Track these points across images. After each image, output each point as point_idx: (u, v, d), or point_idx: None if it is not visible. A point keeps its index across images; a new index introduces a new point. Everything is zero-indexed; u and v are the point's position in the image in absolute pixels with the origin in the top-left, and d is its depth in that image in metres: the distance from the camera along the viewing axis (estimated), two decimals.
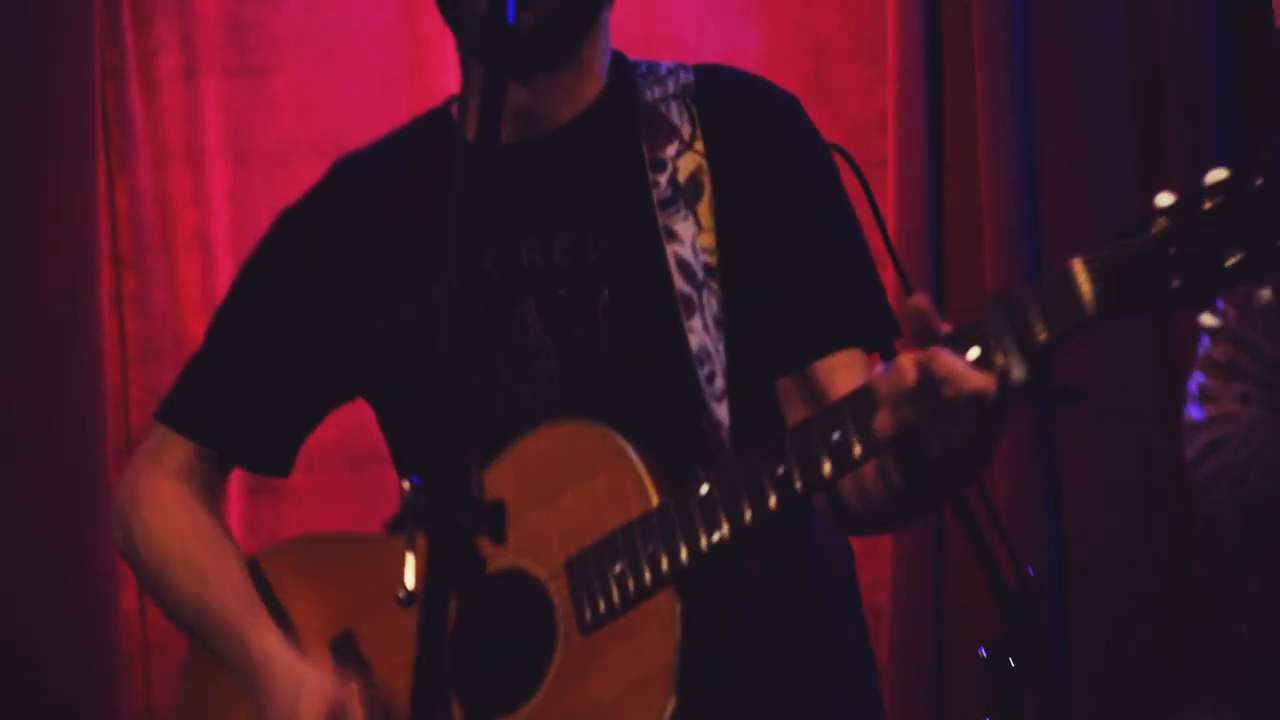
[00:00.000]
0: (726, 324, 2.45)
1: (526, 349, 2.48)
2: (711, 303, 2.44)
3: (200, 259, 4.52)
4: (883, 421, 2.03)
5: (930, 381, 1.97)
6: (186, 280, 4.52)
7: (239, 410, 2.68)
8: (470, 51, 2.16)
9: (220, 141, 4.57)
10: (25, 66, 4.37)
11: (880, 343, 2.49)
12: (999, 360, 1.95)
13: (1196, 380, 3.59)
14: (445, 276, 2.01)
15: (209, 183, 4.55)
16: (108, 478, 4.32)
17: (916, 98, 4.42)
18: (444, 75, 4.45)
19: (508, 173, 2.42)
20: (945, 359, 1.96)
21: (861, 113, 4.54)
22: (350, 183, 2.69)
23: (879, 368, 2.08)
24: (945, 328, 2.02)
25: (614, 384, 2.45)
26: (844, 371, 2.39)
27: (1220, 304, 3.45)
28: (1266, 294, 1.92)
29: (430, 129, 2.68)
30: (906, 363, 1.99)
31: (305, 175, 4.31)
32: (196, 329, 4.44)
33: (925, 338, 2.02)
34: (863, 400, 2.10)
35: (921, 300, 2.03)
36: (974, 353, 1.97)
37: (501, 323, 2.49)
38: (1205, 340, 3.59)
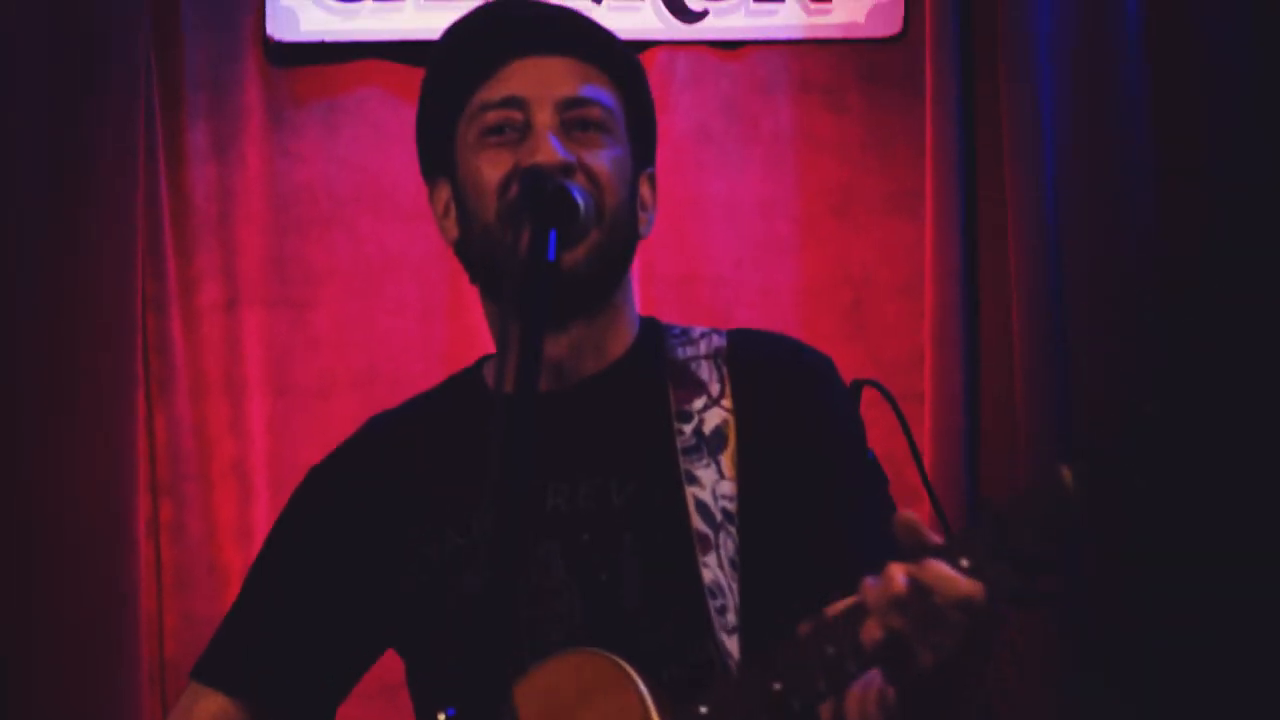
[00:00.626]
0: (742, 565, 2.47)
1: (549, 592, 2.49)
2: (728, 544, 2.46)
3: (237, 488, 4.53)
4: (871, 630, 2.03)
5: (919, 589, 1.97)
6: (223, 509, 4.52)
7: (273, 664, 2.68)
8: (510, 299, 2.20)
9: (260, 372, 4.60)
10: (69, 294, 4.41)
11: None
12: (988, 569, 1.95)
13: None
14: (484, 514, 2.04)
15: (248, 413, 4.57)
16: (140, 706, 4.30)
17: (954, 334, 4.43)
18: (480, 309, 4.48)
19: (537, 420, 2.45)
20: (934, 566, 1.97)
21: (899, 348, 4.55)
22: (380, 441, 2.72)
23: (869, 578, 2.07)
24: (936, 540, 2.02)
25: (635, 627, 2.46)
26: None
27: None
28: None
29: (462, 388, 2.72)
30: (896, 571, 2.00)
31: (343, 407, 4.42)
32: (232, 557, 4.44)
33: (916, 551, 2.02)
34: (855, 613, 2.09)
35: (911, 516, 2.04)
36: (964, 562, 1.97)
37: (528, 565, 2.50)
38: None
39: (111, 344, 4.42)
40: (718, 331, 2.65)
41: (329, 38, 4.67)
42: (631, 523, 2.48)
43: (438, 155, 2.67)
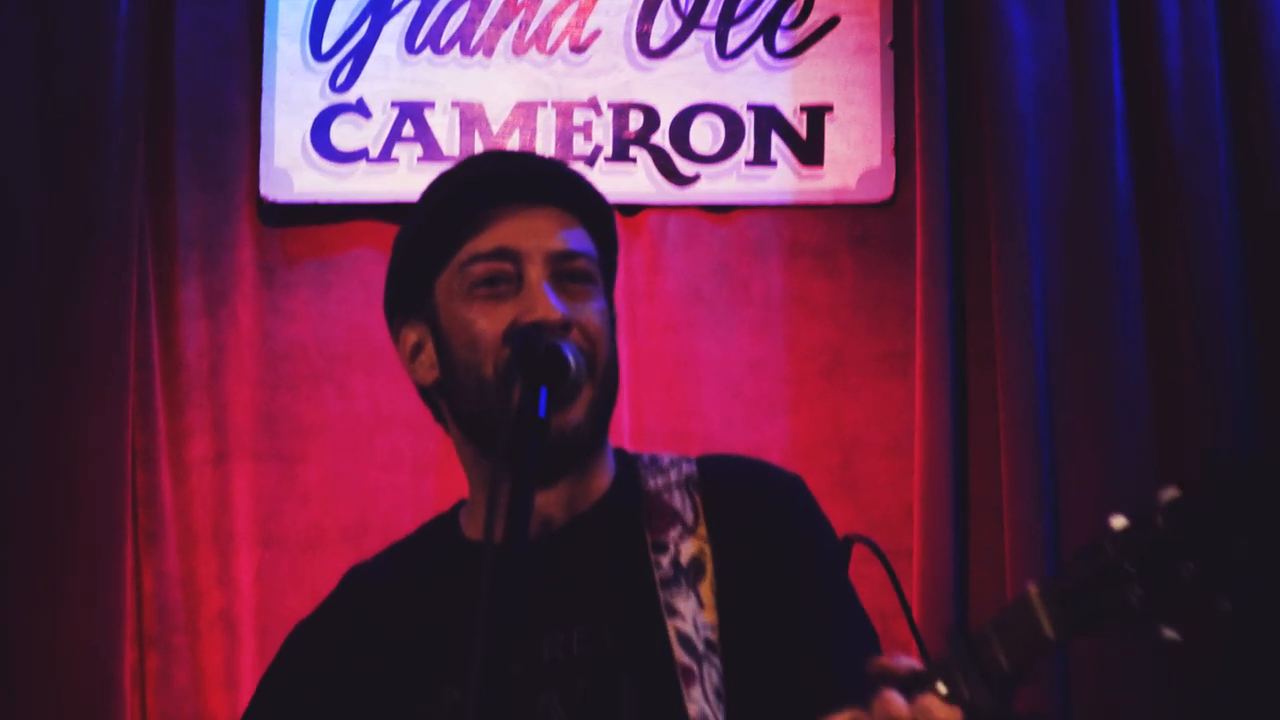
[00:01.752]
0: (726, 695, 2.45)
1: None
2: (712, 675, 2.44)
3: (225, 639, 4.51)
4: None
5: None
6: (210, 660, 4.50)
7: None
8: (502, 455, 2.20)
9: (248, 525, 4.60)
10: (59, 447, 4.42)
11: None
12: (965, 694, 1.95)
13: None
14: (474, 668, 2.02)
15: (236, 565, 4.56)
16: None
17: (943, 490, 4.44)
18: None
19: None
20: (926, 702, 1.98)
21: (889, 505, 4.56)
22: (360, 594, 2.70)
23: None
24: (902, 667, 2.03)
25: None
26: None
27: None
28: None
29: (439, 535, 2.70)
30: (895, 701, 2.00)
31: (331, 560, 4.41)
32: (218, 707, 4.41)
33: (893, 683, 2.04)
34: None
35: (880, 659, 2.06)
36: (942, 688, 1.98)
37: (527, 716, 2.47)
38: None
39: (101, 496, 4.41)
40: (687, 459, 2.65)
41: (322, 199, 4.72)
42: (626, 665, 2.47)
43: (411, 300, 2.65)
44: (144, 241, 4.58)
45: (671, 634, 2.45)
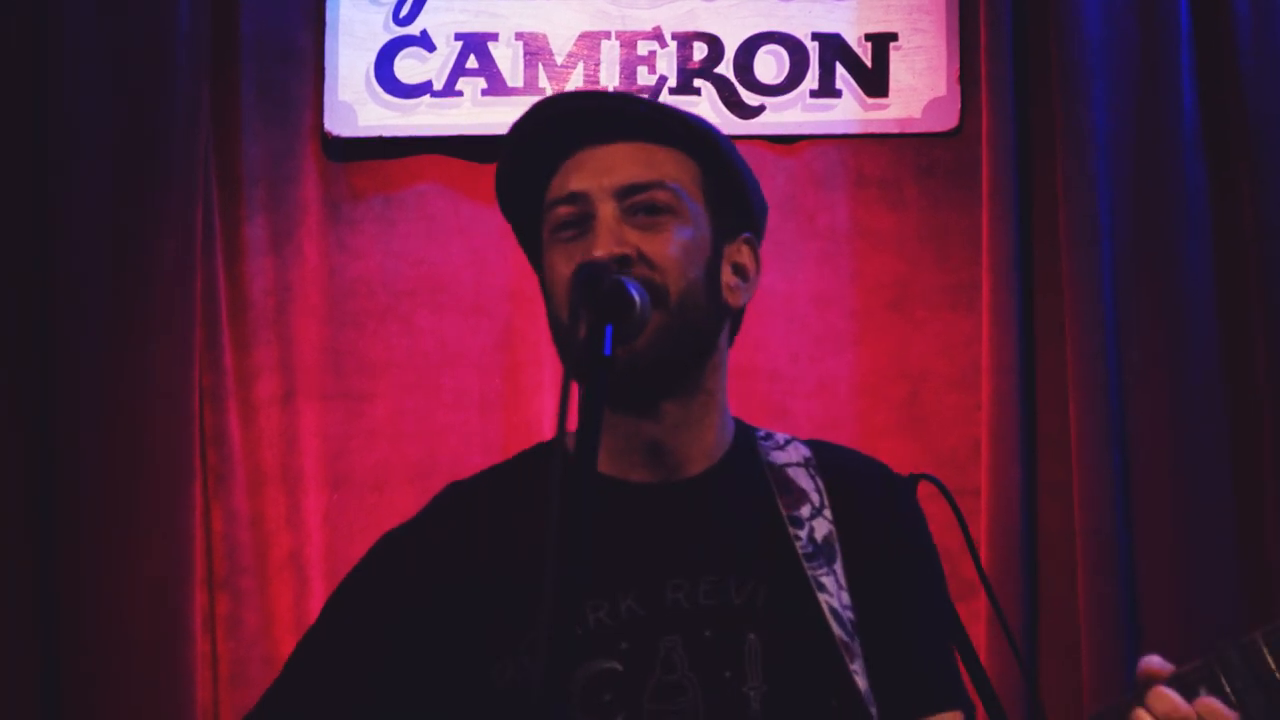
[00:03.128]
0: (869, 676, 2.50)
1: (673, 685, 2.47)
2: (860, 654, 2.47)
3: (294, 582, 4.53)
4: None
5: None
6: (279, 603, 4.52)
7: None
8: (567, 380, 2.20)
9: (316, 465, 4.61)
10: (127, 388, 4.44)
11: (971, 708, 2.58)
12: (1234, 699, 1.96)
13: None
14: (539, 614, 2.02)
15: (304, 506, 4.58)
16: None
17: (1011, 427, 4.42)
18: (539, 401, 4.49)
19: (649, 512, 2.53)
20: (1209, 703, 2.01)
21: (955, 441, 4.54)
22: (455, 512, 2.68)
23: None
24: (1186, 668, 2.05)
25: None
26: None
27: None
28: None
29: (540, 459, 2.70)
30: (1173, 699, 2.03)
31: (400, 500, 4.42)
32: (288, 651, 4.41)
33: (1176, 681, 2.06)
34: None
35: (1152, 666, 2.09)
36: (1226, 688, 2.02)
37: (648, 658, 2.48)
38: None
39: (169, 437, 4.43)
40: (797, 439, 2.68)
41: (386, 133, 4.71)
42: (755, 623, 2.48)
43: (531, 250, 2.69)
44: (209, 178, 4.59)
45: (825, 608, 2.48)
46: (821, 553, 2.52)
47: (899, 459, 2.75)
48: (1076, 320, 4.39)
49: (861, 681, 2.46)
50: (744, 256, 2.67)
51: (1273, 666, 1.91)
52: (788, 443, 2.66)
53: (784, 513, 2.55)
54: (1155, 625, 4.31)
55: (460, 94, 4.71)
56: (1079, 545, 4.31)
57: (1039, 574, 4.41)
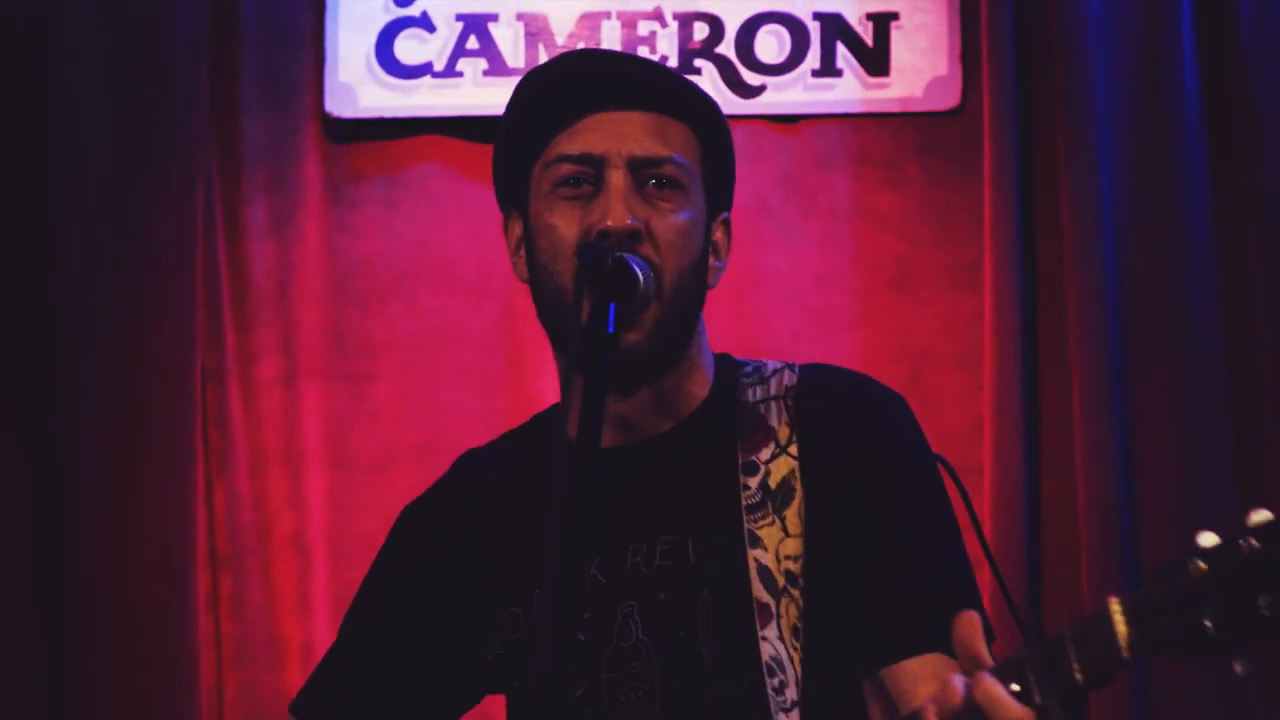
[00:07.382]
0: (805, 632, 2.44)
1: (628, 651, 2.48)
2: (790, 610, 2.44)
3: (297, 561, 4.53)
4: None
5: (973, 705, 1.94)
6: (282, 582, 4.52)
7: (367, 702, 2.69)
8: (571, 364, 2.20)
9: (319, 445, 4.61)
10: (129, 368, 4.44)
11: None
12: (1036, 698, 1.92)
13: None
14: (544, 580, 2.03)
15: (306, 486, 4.58)
16: None
17: (1013, 405, 4.42)
18: (542, 381, 4.49)
19: (614, 477, 2.47)
20: (989, 685, 1.93)
21: (959, 420, 4.54)
22: (468, 482, 2.71)
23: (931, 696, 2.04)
24: (984, 652, 1.99)
25: (708, 687, 2.45)
26: (929, 680, 2.34)
27: None
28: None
29: (547, 428, 2.70)
30: (956, 683, 1.96)
31: (403, 480, 4.42)
32: (291, 630, 4.44)
33: (965, 656, 1.99)
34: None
35: (971, 619, 2.00)
36: (1015, 688, 1.93)
37: (606, 626, 2.49)
38: None
39: (171, 419, 4.44)
40: (791, 367, 2.62)
41: (387, 114, 4.71)
42: (705, 581, 2.47)
43: (512, 189, 2.64)
44: (209, 160, 4.59)
45: (751, 567, 2.44)
46: (770, 500, 2.47)
47: None
48: (1079, 298, 4.39)
49: (768, 648, 2.41)
50: (721, 235, 2.66)
51: (1070, 667, 1.90)
52: (774, 373, 2.60)
53: (740, 459, 2.51)
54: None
55: (461, 75, 4.71)
56: (1081, 521, 4.32)
57: (1042, 550, 4.41)
